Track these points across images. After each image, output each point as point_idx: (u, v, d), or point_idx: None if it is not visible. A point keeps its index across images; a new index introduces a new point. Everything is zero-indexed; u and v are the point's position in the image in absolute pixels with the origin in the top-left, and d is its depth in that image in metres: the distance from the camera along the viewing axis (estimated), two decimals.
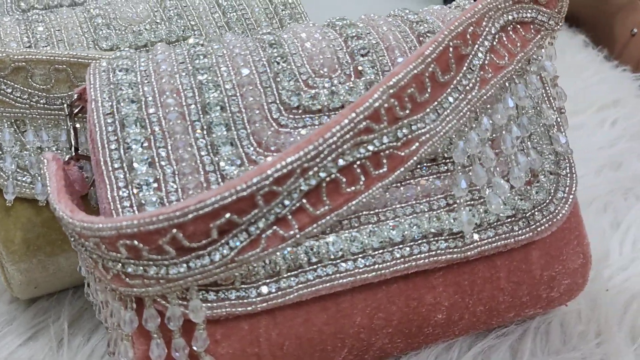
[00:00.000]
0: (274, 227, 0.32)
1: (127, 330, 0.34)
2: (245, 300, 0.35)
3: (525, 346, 0.43)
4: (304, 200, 0.32)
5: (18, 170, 0.44)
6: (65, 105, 0.40)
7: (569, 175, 0.41)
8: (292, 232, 0.32)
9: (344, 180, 0.33)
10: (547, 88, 0.42)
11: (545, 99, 0.42)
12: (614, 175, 0.64)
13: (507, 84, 0.39)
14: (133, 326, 0.33)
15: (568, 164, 0.41)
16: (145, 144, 0.36)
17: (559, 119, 0.42)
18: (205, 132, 0.37)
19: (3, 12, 0.57)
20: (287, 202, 0.32)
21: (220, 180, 0.36)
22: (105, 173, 0.35)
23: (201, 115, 0.37)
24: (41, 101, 0.44)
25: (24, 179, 0.45)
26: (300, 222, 0.32)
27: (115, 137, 0.35)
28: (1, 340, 0.46)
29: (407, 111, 0.34)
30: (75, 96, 0.40)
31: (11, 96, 0.44)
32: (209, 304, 0.34)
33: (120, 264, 0.31)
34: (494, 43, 0.38)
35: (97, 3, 0.55)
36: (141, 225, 0.30)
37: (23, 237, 0.45)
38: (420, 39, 0.41)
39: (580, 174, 0.64)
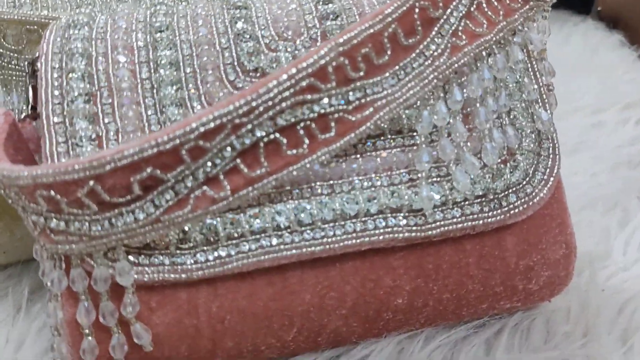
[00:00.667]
0: (204, 187, 0.30)
1: (55, 290, 0.32)
2: (180, 267, 0.33)
3: (500, 341, 0.40)
4: (238, 160, 0.30)
5: None
6: (26, 63, 0.40)
7: (550, 155, 0.37)
8: (223, 194, 0.30)
9: (285, 141, 0.31)
10: (533, 62, 0.39)
11: (531, 73, 0.38)
12: (629, 174, 0.59)
13: (484, 54, 0.36)
14: (62, 286, 0.32)
15: (551, 144, 0.38)
16: (90, 100, 0.34)
17: (544, 96, 0.38)
18: (155, 91, 0.35)
19: None
20: (217, 161, 0.30)
21: None
22: (46, 127, 0.34)
23: (152, 74, 0.35)
24: (13, 62, 0.44)
25: None
26: (234, 183, 0.30)
27: (60, 92, 0.34)
28: None
29: (361, 72, 0.32)
30: (37, 54, 0.39)
31: None
32: (140, 268, 0.32)
33: (42, 218, 0.30)
34: (472, 9, 0.35)
35: None
36: (57, 175, 0.28)
37: None
38: None
39: (594, 170, 0.61)
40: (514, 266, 0.38)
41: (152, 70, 0.35)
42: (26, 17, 0.43)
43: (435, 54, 0.34)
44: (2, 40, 0.43)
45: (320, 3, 0.38)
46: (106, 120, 0.34)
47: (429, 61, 0.34)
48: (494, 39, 0.36)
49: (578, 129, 0.68)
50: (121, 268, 0.31)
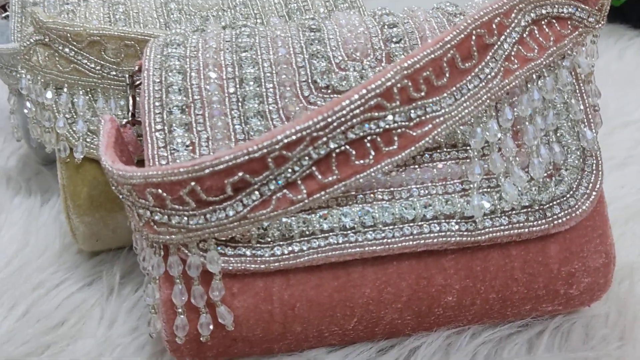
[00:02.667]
0: (284, 191, 0.34)
1: (154, 274, 0.38)
2: (259, 259, 0.38)
3: (541, 341, 0.43)
4: (314, 168, 0.34)
5: (88, 133, 0.50)
6: (127, 76, 0.45)
7: (594, 171, 0.41)
8: (300, 197, 0.34)
9: (354, 153, 0.35)
10: (581, 84, 0.42)
11: (578, 94, 0.42)
12: None
13: (534, 77, 0.39)
14: (160, 271, 0.37)
15: (595, 161, 0.41)
16: (185, 110, 0.40)
17: (589, 116, 0.41)
18: (239, 104, 0.40)
19: None
20: (297, 168, 0.34)
21: None
22: (149, 134, 0.39)
23: (238, 88, 0.40)
24: (112, 73, 0.49)
25: (92, 141, 0.50)
26: (309, 188, 0.35)
27: (160, 103, 0.39)
28: (63, 283, 0.52)
29: (422, 93, 0.36)
30: (137, 68, 0.45)
31: (86, 67, 0.49)
32: (226, 258, 0.37)
33: (149, 212, 0.35)
34: (524, 35, 0.39)
35: None
36: (165, 176, 0.33)
37: (88, 193, 0.51)
38: None
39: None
40: (556, 272, 0.41)
41: (238, 86, 0.40)
42: (125, 34, 0.49)
43: (489, 76, 0.38)
44: (103, 53, 0.49)
45: (386, 27, 0.43)
46: (199, 129, 0.39)
47: (483, 83, 0.38)
48: (544, 63, 0.39)
49: (628, 143, 0.70)
50: (211, 257, 0.36)
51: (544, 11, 0.40)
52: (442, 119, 0.37)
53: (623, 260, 0.45)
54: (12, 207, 0.63)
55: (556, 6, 0.40)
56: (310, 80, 0.41)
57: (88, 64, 0.49)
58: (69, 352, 0.46)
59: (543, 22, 0.40)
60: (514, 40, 0.39)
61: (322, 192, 0.35)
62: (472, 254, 0.40)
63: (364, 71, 0.41)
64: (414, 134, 0.36)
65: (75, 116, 0.50)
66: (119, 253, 0.54)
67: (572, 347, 0.43)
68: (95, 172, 0.51)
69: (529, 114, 0.39)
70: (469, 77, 0.37)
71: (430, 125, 0.36)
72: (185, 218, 0.34)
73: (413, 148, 0.36)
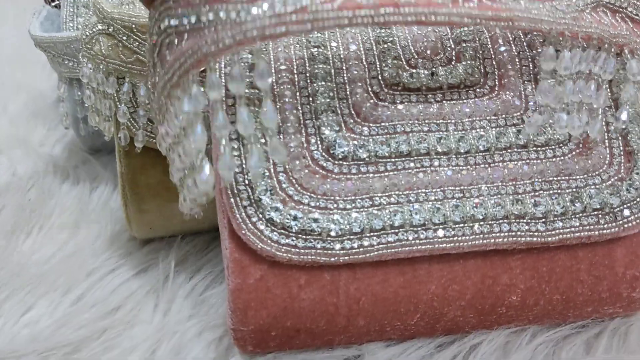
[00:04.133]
0: None
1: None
2: (329, 252, 0.37)
3: (600, 342, 0.43)
4: None
5: (148, 122, 0.50)
6: None
7: None
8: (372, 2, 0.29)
9: None
10: None
11: None
12: None
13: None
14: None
15: None
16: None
17: None
18: (310, 99, 0.40)
19: None
20: None
21: (319, 142, 0.39)
22: None
23: (309, 83, 0.40)
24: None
25: (153, 130, 0.50)
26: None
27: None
28: (117, 269, 0.52)
29: None
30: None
31: None
32: (297, 250, 0.37)
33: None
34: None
35: None
36: None
37: (146, 181, 0.51)
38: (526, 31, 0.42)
39: None
40: (621, 275, 0.41)
41: (309, 80, 0.40)
42: None
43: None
44: None
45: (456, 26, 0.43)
46: None
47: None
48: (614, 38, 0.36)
49: None
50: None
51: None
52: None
53: None
54: (62, 193, 0.64)
55: (630, 6, 0.38)
56: (380, 77, 0.41)
57: None
58: (126, 337, 0.46)
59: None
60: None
61: (396, 10, 0.29)
62: (539, 254, 0.40)
63: (434, 69, 0.41)
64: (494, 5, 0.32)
65: (136, 105, 0.50)
66: (171, 242, 0.54)
67: (631, 348, 0.43)
68: (154, 160, 0.51)
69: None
70: None
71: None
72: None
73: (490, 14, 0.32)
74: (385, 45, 0.41)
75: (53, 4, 0.69)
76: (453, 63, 0.41)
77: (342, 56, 0.41)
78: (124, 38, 0.49)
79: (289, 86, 0.40)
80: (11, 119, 0.79)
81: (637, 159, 0.40)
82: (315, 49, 0.41)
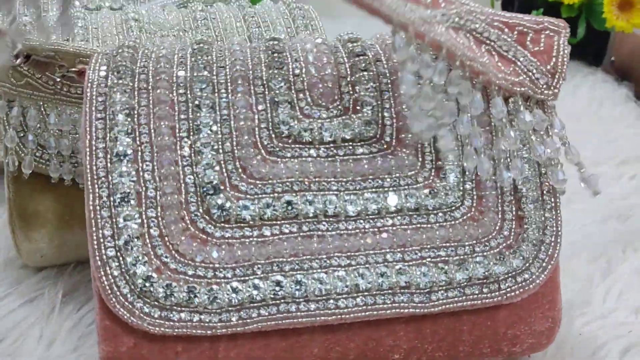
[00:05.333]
0: None
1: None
2: (207, 324, 0.35)
3: None
4: None
5: (38, 147, 0.49)
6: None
7: (552, 243, 0.40)
8: None
9: None
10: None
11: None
12: (617, 228, 0.62)
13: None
14: None
15: (554, 232, 0.40)
16: (131, 157, 0.36)
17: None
18: (192, 152, 0.37)
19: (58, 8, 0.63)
20: None
21: (200, 204, 0.36)
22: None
23: (192, 134, 0.37)
24: (64, 89, 0.47)
25: (42, 156, 0.48)
26: None
27: (104, 145, 0.36)
28: (5, 298, 0.50)
29: None
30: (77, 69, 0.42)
31: (39, 81, 0.46)
32: (171, 323, 0.35)
33: None
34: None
35: (137, 8, 0.60)
36: None
37: (35, 208, 0.49)
38: None
39: (585, 222, 0.64)
40: (502, 334, 0.40)
41: (192, 130, 0.37)
42: (80, 50, 0.48)
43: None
44: (58, 69, 0.48)
45: (352, 55, 0.40)
46: (146, 177, 0.36)
47: None
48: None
49: (574, 180, 0.71)
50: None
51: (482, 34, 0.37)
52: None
53: (563, 297, 0.46)
54: None
55: (499, 40, 0.37)
56: (270, 128, 0.38)
57: (41, 78, 0.47)
58: None
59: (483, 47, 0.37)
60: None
61: None
62: (423, 318, 0.39)
63: (328, 120, 0.39)
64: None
65: (25, 130, 0.48)
66: (63, 270, 0.52)
67: None
68: (43, 187, 0.49)
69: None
70: None
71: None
72: None
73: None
74: (278, 89, 0.39)
75: None
76: (349, 114, 0.39)
77: (229, 101, 0.38)
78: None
79: (167, 137, 0.37)
80: None
81: (528, 226, 0.39)
82: (200, 92, 0.38)
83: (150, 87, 0.38)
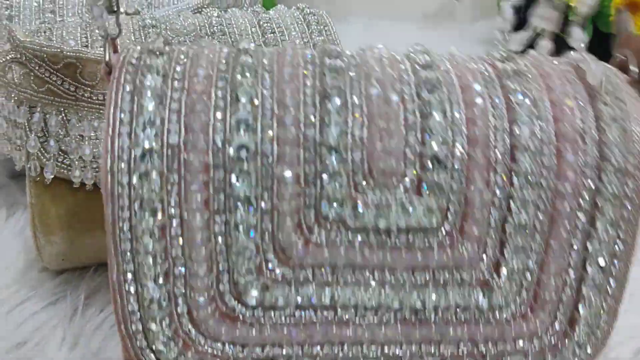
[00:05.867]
0: None
1: None
2: None
3: None
4: None
5: (59, 152, 0.50)
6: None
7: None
8: None
9: None
10: None
11: None
12: None
13: None
14: None
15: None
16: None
17: None
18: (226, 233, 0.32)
19: (74, 12, 0.64)
20: None
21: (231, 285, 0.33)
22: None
23: (224, 209, 0.32)
24: (86, 95, 0.49)
25: (63, 161, 0.49)
26: None
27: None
28: (27, 302, 0.50)
29: None
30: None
31: (61, 87, 0.48)
32: None
33: None
34: None
35: (153, 14, 0.60)
36: None
37: (56, 212, 0.50)
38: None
39: None
40: None
41: (224, 203, 0.32)
42: (101, 57, 0.49)
43: None
44: (79, 75, 0.49)
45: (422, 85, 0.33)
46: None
47: None
48: None
49: None
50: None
51: None
52: None
53: None
54: None
55: None
56: (316, 208, 0.32)
57: (63, 85, 0.48)
58: None
59: None
60: None
61: None
62: None
63: (387, 203, 0.32)
64: None
65: (47, 135, 0.49)
66: (84, 272, 0.52)
67: None
68: (65, 191, 0.49)
69: None
70: None
71: None
72: None
73: None
74: (328, 161, 0.31)
75: None
76: (409, 194, 0.32)
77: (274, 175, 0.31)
78: (36, 67, 0.48)
79: (200, 205, 0.32)
80: None
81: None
82: (237, 173, 0.31)
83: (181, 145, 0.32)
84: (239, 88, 0.32)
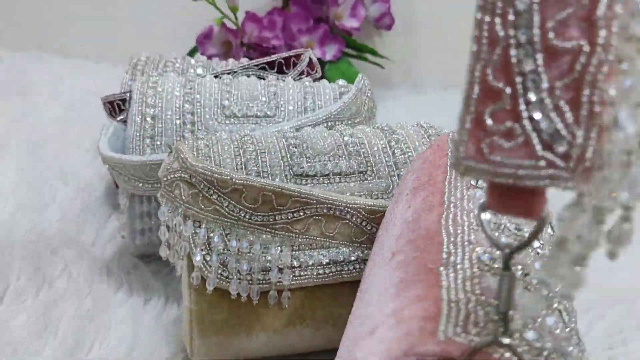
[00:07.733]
0: None
1: None
2: None
3: None
4: None
5: (220, 265, 0.55)
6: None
7: None
8: None
9: None
10: None
11: None
12: None
13: None
14: None
15: None
16: None
17: None
18: None
19: (211, 115, 0.70)
20: None
21: None
22: None
23: None
24: (246, 217, 0.54)
25: (222, 273, 0.55)
26: None
27: None
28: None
29: None
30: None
31: (225, 209, 0.54)
32: None
33: None
34: None
35: (288, 127, 0.66)
36: None
37: (212, 318, 0.55)
38: None
39: None
40: None
41: None
42: (264, 185, 0.54)
43: None
44: (243, 199, 0.54)
45: None
46: None
47: None
48: None
49: None
50: None
51: None
52: None
53: None
54: (116, 302, 0.68)
55: None
56: None
57: (228, 206, 0.54)
58: None
59: None
60: None
61: None
62: None
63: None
64: None
65: (209, 250, 0.55)
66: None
67: None
68: (221, 299, 0.55)
69: None
70: None
71: None
72: None
73: None
74: None
75: (118, 118, 0.74)
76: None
77: None
78: (205, 189, 0.54)
79: None
80: (61, 212, 0.83)
81: None
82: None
83: None
84: None
